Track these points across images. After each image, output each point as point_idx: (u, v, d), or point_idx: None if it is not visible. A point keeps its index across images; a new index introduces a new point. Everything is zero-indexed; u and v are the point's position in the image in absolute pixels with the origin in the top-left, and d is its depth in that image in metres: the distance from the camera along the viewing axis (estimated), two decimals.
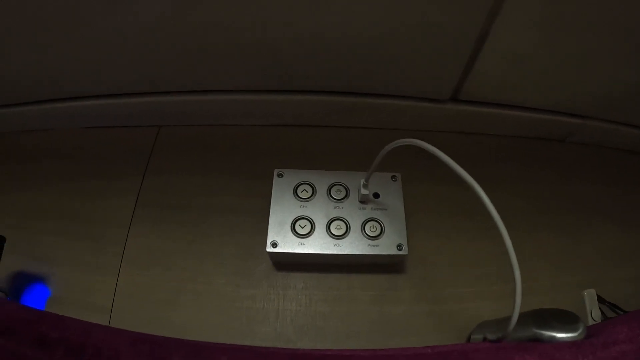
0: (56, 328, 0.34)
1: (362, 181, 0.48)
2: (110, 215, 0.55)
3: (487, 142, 0.64)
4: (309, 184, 0.51)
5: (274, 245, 0.47)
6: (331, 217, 0.48)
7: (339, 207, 0.49)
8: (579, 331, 0.32)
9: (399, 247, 0.47)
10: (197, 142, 0.62)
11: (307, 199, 0.50)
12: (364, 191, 0.48)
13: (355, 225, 0.48)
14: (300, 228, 0.48)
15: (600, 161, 0.65)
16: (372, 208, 0.49)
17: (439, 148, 0.33)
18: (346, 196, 0.50)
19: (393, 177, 0.52)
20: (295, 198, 0.50)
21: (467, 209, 0.55)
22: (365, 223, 0.48)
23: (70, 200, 0.57)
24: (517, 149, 0.64)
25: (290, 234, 0.47)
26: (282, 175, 0.52)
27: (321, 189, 0.51)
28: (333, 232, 0.47)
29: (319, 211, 0.49)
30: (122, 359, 0.32)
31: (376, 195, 0.50)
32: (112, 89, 0.57)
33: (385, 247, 0.46)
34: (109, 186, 0.58)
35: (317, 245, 0.47)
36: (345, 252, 0.46)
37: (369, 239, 0.47)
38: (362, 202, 0.49)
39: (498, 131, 0.64)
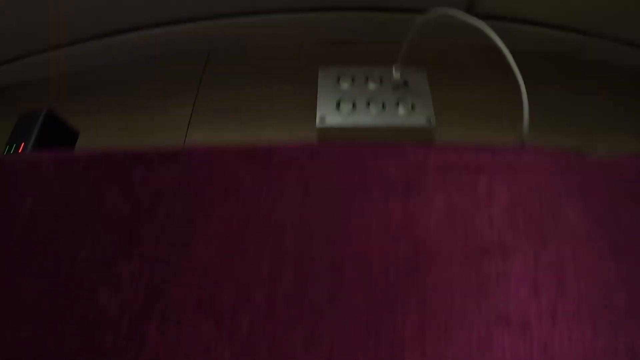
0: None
1: (394, 66, 0.55)
2: (168, 122, 0.63)
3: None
4: (348, 76, 0.58)
5: (323, 119, 0.54)
6: (369, 97, 0.56)
7: (375, 91, 0.56)
8: None
9: (429, 120, 0.53)
10: (246, 61, 0.69)
11: (348, 86, 0.57)
12: (395, 75, 0.55)
13: (391, 104, 0.55)
14: (345, 106, 0.55)
15: (610, 80, 0.70)
16: (402, 92, 0.56)
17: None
18: (381, 83, 0.57)
19: (419, 69, 0.58)
20: (338, 85, 0.57)
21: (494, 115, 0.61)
22: (398, 102, 0.55)
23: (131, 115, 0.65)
24: (526, 64, 0.70)
25: (336, 110, 0.54)
26: (325, 70, 0.59)
27: (359, 79, 0.58)
28: (372, 110, 0.54)
29: (359, 94, 0.56)
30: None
31: (405, 83, 0.57)
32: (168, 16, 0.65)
33: (417, 119, 0.53)
34: (166, 102, 0.66)
35: (360, 118, 0.54)
36: (383, 123, 0.53)
37: (402, 111, 0.54)
38: (394, 87, 0.56)
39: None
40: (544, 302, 0.25)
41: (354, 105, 0.54)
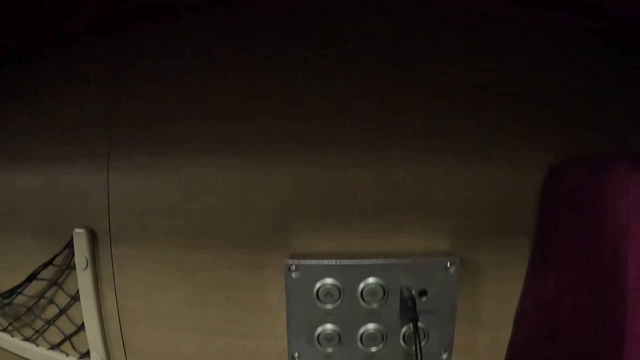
0: None
1: (403, 288, 0.34)
2: None
3: None
4: (334, 286, 0.36)
5: (297, 358, 0.37)
6: (363, 326, 0.37)
7: (374, 314, 0.37)
8: None
9: (443, 352, 0.38)
10: None
11: (333, 305, 0.36)
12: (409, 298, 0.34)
13: (394, 335, 0.37)
14: (326, 341, 0.37)
15: None
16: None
17: None
18: (384, 298, 0.36)
19: (448, 264, 0.36)
20: (318, 303, 0.36)
21: None
22: (406, 331, 0.37)
23: None
24: None
25: (314, 346, 0.37)
26: (295, 270, 0.35)
27: (350, 291, 0.36)
28: (365, 344, 0.37)
29: (349, 320, 0.37)
30: None
31: (423, 293, 0.36)
32: None
33: (426, 355, 0.37)
34: None
35: (347, 358, 0.37)
36: None
37: (407, 346, 0.37)
38: (403, 310, 0.36)
39: None
40: None
41: (340, 339, 0.37)
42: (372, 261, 0.35)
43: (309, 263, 0.36)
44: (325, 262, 0.35)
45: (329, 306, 0.36)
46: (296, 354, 0.37)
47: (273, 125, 0.38)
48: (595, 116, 0.39)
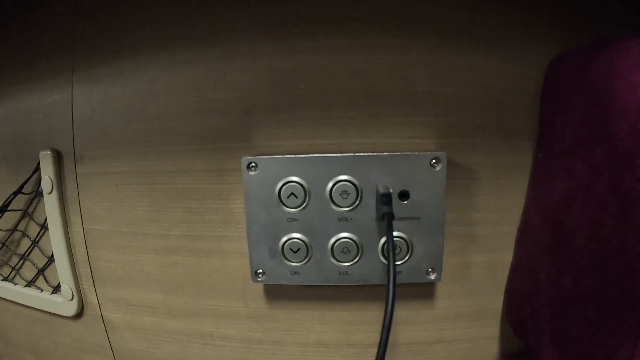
0: None
1: (379, 186, 0.27)
2: None
3: None
4: (298, 184, 0.29)
5: (260, 275, 0.31)
6: (335, 235, 0.30)
7: (346, 219, 0.30)
8: None
9: (430, 271, 0.30)
10: None
11: (298, 208, 0.29)
12: (383, 193, 0.27)
13: (370, 246, 0.30)
14: (292, 253, 0.30)
15: None
16: (396, 218, 0.29)
17: None
18: (357, 200, 0.29)
19: (434, 160, 0.29)
20: (281, 206, 0.29)
21: None
22: (386, 242, 0.30)
23: None
24: None
25: (279, 259, 0.30)
26: (255, 167, 0.29)
27: (318, 191, 0.29)
28: (338, 257, 0.30)
29: (317, 227, 0.30)
30: None
31: (404, 195, 0.29)
32: None
33: (409, 272, 0.30)
34: None
35: (317, 274, 0.30)
36: (355, 283, 0.30)
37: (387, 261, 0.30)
38: (380, 215, 0.29)
39: None
40: None
41: (308, 251, 0.30)
42: (343, 155, 0.29)
43: (269, 158, 0.29)
44: (289, 156, 0.29)
45: (294, 209, 0.29)
46: (260, 270, 0.31)
47: (234, 14, 0.32)
48: (602, 5, 0.31)
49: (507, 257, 0.34)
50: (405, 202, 0.29)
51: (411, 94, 0.31)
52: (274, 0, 0.31)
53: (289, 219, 0.30)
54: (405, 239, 0.29)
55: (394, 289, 0.22)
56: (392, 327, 0.35)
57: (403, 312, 0.35)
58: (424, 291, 0.34)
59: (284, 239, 0.30)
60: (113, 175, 0.37)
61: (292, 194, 0.29)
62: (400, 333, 0.35)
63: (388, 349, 0.35)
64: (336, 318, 0.34)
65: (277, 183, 0.29)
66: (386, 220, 0.26)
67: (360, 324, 0.34)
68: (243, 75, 0.32)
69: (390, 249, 0.24)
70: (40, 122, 0.41)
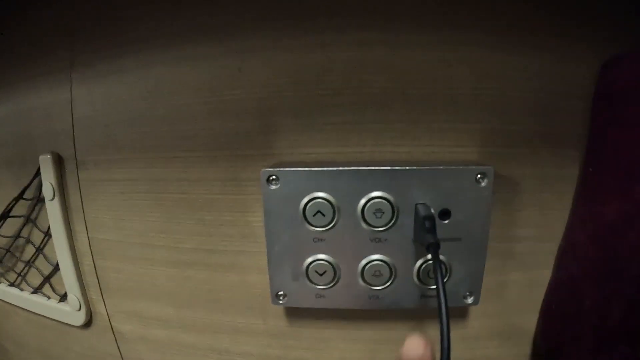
0: None
1: (418, 205, 0.23)
2: None
3: None
4: (325, 201, 0.25)
5: (281, 297, 0.27)
6: (366, 257, 0.26)
7: (379, 240, 0.26)
8: None
9: (467, 295, 0.27)
10: None
11: (326, 227, 0.26)
12: (425, 216, 0.23)
13: (405, 268, 0.26)
14: (318, 275, 0.26)
15: None
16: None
17: None
18: (393, 219, 0.25)
19: (479, 175, 0.25)
20: (306, 225, 0.26)
21: None
22: (423, 264, 0.26)
23: None
24: None
25: (303, 282, 0.27)
26: (276, 181, 0.25)
27: (348, 208, 0.25)
28: (368, 280, 0.26)
29: (346, 248, 0.26)
30: None
31: (445, 214, 0.25)
32: None
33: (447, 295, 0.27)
34: None
35: (345, 297, 0.27)
36: (386, 307, 0.27)
37: (423, 285, 0.27)
38: (418, 236, 0.25)
39: None
40: None
41: (335, 273, 0.26)
42: (378, 168, 0.25)
43: (292, 171, 0.25)
44: (315, 169, 0.25)
45: (320, 228, 0.26)
46: (280, 292, 0.27)
47: (251, 2, 0.27)
48: None
49: (546, 275, 0.30)
50: (446, 221, 0.25)
51: (452, 96, 0.27)
52: None
53: (315, 239, 0.26)
54: (443, 262, 0.26)
55: (449, 335, 0.19)
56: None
57: (433, 332, 0.32)
58: (458, 311, 0.31)
59: (309, 260, 0.26)
60: (119, 182, 0.33)
61: (319, 211, 0.25)
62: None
63: None
64: (362, 337, 0.31)
65: (301, 199, 0.25)
66: (432, 252, 0.22)
67: (387, 343, 0.31)
68: (261, 72, 0.27)
69: (441, 291, 0.20)
70: (41, 123, 0.36)
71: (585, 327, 0.28)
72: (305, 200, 0.25)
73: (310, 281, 0.27)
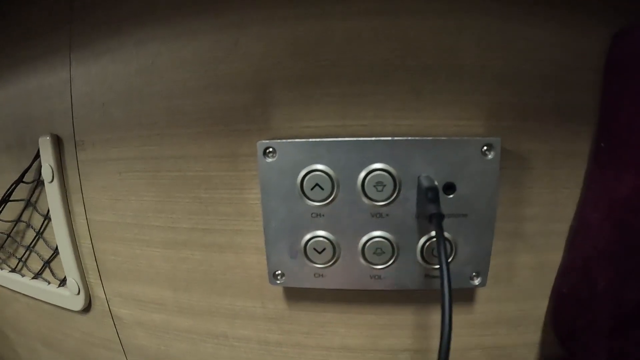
0: None
1: (421, 177, 0.21)
2: None
3: None
4: (324, 174, 0.24)
5: (279, 277, 0.26)
6: (367, 234, 0.24)
7: (381, 215, 0.24)
8: None
9: (474, 276, 0.25)
10: None
11: (324, 202, 0.24)
12: (428, 187, 0.21)
13: (408, 246, 0.24)
14: (317, 253, 0.25)
15: None
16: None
17: None
18: (395, 193, 0.24)
19: (485, 147, 0.23)
20: (304, 199, 0.24)
21: None
22: (427, 242, 0.24)
23: None
24: None
25: (301, 260, 0.25)
26: (273, 154, 0.24)
27: (348, 182, 0.24)
28: (369, 259, 0.25)
29: (346, 224, 0.24)
30: None
31: (449, 188, 0.23)
32: None
33: (451, 277, 0.25)
34: None
35: (345, 277, 0.25)
36: (388, 288, 0.25)
37: (427, 264, 0.25)
38: (421, 211, 0.23)
39: None
40: None
41: (335, 251, 0.24)
42: (379, 139, 0.23)
43: (289, 142, 0.24)
44: (313, 140, 0.23)
45: (319, 203, 0.24)
46: (278, 272, 0.26)
47: None
48: None
49: (557, 257, 0.28)
50: (451, 195, 0.23)
51: (457, 67, 0.25)
52: None
53: (314, 214, 0.24)
54: (449, 239, 0.24)
55: (451, 310, 0.17)
56: (427, 332, 0.30)
57: (439, 317, 0.30)
58: (464, 294, 0.29)
59: (307, 237, 0.25)
60: (115, 161, 0.32)
61: (317, 185, 0.24)
62: (436, 339, 0.30)
63: (422, 354, 0.30)
64: (363, 321, 0.29)
65: (299, 172, 0.24)
66: (435, 222, 0.20)
67: (389, 328, 0.29)
68: (258, 44, 0.26)
69: (443, 260, 0.18)
70: (40, 104, 0.35)
71: (599, 311, 0.26)
72: (303, 173, 0.24)
73: (309, 259, 0.25)
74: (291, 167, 0.24)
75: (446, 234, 0.24)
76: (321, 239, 0.25)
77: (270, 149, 0.24)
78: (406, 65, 0.25)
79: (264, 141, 0.24)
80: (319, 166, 0.24)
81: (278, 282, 0.26)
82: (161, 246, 0.32)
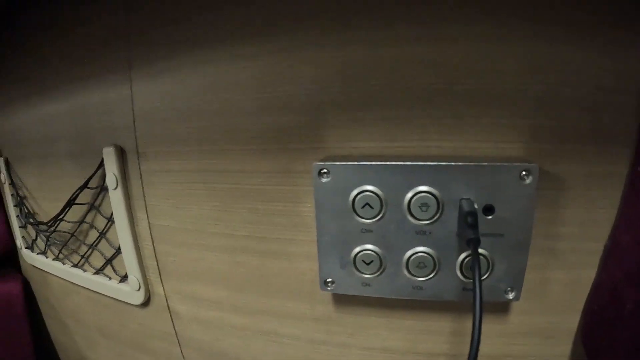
0: None
1: (463, 201, 0.24)
2: None
3: None
4: (374, 194, 0.27)
5: (329, 284, 0.30)
6: (411, 249, 0.28)
7: (424, 233, 0.27)
8: None
9: (509, 290, 0.28)
10: None
11: (373, 219, 0.28)
12: (468, 212, 0.25)
13: (448, 261, 0.28)
14: (365, 264, 0.28)
15: None
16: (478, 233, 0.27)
17: None
18: (438, 213, 0.27)
19: (524, 172, 0.26)
20: (354, 216, 0.28)
21: None
22: (466, 258, 0.28)
23: None
24: None
25: (350, 270, 0.29)
26: (327, 174, 0.27)
27: (395, 202, 0.27)
28: (412, 271, 0.28)
29: (392, 239, 0.28)
30: None
31: (488, 210, 0.26)
32: None
33: (487, 291, 0.28)
34: None
35: (389, 287, 0.29)
36: (428, 298, 0.29)
37: (465, 278, 0.28)
38: (462, 231, 0.27)
39: None
40: None
41: (381, 263, 0.28)
42: (425, 164, 0.26)
43: (343, 165, 0.27)
44: (364, 163, 0.27)
45: (368, 220, 0.28)
46: (329, 279, 0.30)
47: (298, 3, 0.29)
48: None
49: (590, 275, 0.31)
50: (490, 217, 0.26)
51: (499, 91, 0.28)
52: None
53: (363, 230, 0.28)
54: (486, 257, 0.27)
55: (480, 326, 0.20)
56: (460, 339, 0.34)
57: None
58: (499, 306, 0.32)
59: (357, 249, 0.28)
60: (176, 173, 0.36)
61: (367, 204, 0.27)
62: (467, 345, 0.34)
63: (455, 359, 0.34)
64: (404, 326, 0.33)
65: (351, 192, 0.27)
66: (472, 247, 0.24)
67: (428, 334, 0.33)
68: (310, 68, 0.29)
69: (477, 283, 0.22)
70: (101, 118, 0.41)
71: (623, 333, 0.28)
72: (355, 192, 0.27)
73: (357, 270, 0.29)
74: (344, 187, 0.28)
75: (484, 252, 0.27)
76: (369, 252, 0.28)
77: (325, 170, 0.27)
78: (450, 90, 0.28)
79: (319, 163, 0.28)
80: (369, 187, 0.27)
81: (328, 288, 0.30)
82: (218, 251, 0.36)
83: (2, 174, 0.57)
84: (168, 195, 0.38)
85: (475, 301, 0.23)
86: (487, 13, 0.27)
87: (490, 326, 0.33)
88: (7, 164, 0.56)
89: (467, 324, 0.33)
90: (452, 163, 0.26)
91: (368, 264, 0.29)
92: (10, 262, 0.64)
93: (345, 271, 0.29)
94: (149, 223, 0.40)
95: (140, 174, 0.39)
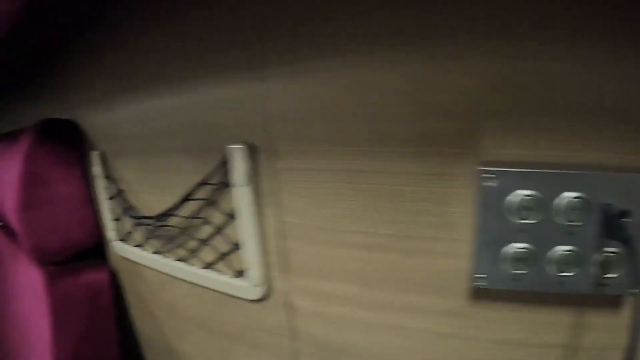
0: None
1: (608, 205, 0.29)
2: None
3: None
4: (532, 198, 0.31)
5: (481, 279, 0.33)
6: (559, 247, 0.32)
7: (571, 233, 0.32)
8: None
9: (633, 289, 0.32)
10: None
11: (528, 220, 0.32)
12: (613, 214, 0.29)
13: (589, 259, 0.32)
14: (517, 261, 0.32)
15: None
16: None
17: None
18: (584, 216, 0.31)
19: None
20: (513, 217, 0.32)
21: None
22: (605, 257, 0.32)
23: None
24: None
25: (502, 266, 0.33)
26: (490, 179, 0.31)
27: (548, 204, 0.31)
28: (558, 267, 0.32)
29: (544, 238, 0.32)
30: None
31: (624, 214, 0.31)
32: None
33: (616, 286, 0.32)
34: None
35: (536, 281, 0.33)
36: (569, 292, 0.33)
37: (602, 274, 0.32)
38: (604, 232, 0.31)
39: None
40: None
41: (533, 258, 0.32)
42: (577, 172, 0.30)
43: (507, 170, 0.31)
44: (525, 170, 0.31)
45: (524, 221, 0.32)
46: (482, 275, 0.33)
47: (453, 13, 0.32)
48: None
49: None
50: (627, 220, 0.31)
51: (634, 109, 0.31)
52: (491, 5, 0.31)
53: (519, 230, 0.32)
54: (621, 255, 0.32)
55: None
56: (576, 330, 0.37)
57: (589, 320, 0.36)
58: (615, 301, 0.36)
59: (512, 247, 0.32)
60: (317, 171, 0.39)
61: (526, 206, 0.31)
62: (584, 337, 0.37)
63: (568, 350, 0.37)
64: (530, 320, 0.37)
65: (512, 195, 0.31)
66: (627, 247, 0.28)
67: (554, 326, 0.36)
68: (462, 78, 0.32)
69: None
70: (228, 114, 0.43)
71: None
72: (515, 196, 0.31)
73: (509, 266, 0.33)
74: (505, 191, 0.31)
75: (618, 250, 0.32)
76: (522, 250, 0.32)
77: (490, 175, 0.32)
78: (594, 106, 0.31)
79: (483, 168, 0.32)
80: (526, 191, 0.31)
81: (479, 284, 0.34)
82: (355, 248, 0.39)
83: (97, 168, 0.59)
84: (301, 193, 0.41)
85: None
86: (625, 32, 0.29)
87: (605, 319, 0.35)
88: (104, 157, 0.58)
89: (585, 317, 0.36)
90: (597, 172, 0.31)
91: (519, 261, 0.32)
92: (98, 254, 0.66)
93: (498, 267, 0.33)
94: (278, 220, 0.43)
95: (272, 172, 0.42)
